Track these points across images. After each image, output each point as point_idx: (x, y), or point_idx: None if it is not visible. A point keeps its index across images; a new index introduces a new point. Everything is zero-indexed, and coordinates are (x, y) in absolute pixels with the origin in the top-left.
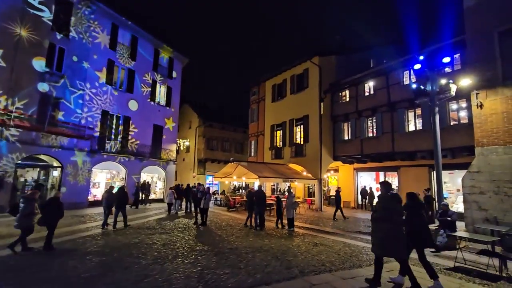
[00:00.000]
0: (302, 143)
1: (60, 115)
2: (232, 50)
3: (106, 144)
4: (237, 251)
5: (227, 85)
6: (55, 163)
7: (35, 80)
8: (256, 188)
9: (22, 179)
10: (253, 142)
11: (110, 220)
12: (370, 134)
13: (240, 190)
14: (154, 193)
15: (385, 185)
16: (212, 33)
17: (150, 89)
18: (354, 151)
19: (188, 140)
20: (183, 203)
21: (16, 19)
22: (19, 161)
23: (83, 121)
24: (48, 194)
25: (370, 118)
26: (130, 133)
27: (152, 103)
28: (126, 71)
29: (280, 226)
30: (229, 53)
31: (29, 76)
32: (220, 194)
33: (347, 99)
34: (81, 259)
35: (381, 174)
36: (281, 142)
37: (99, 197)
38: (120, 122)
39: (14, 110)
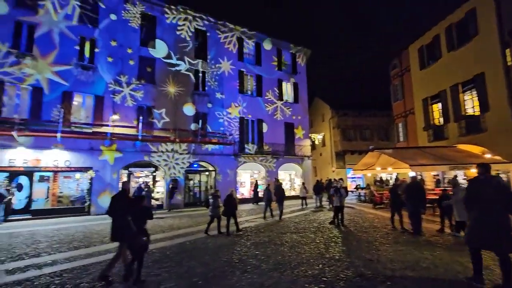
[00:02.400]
0: (477, 113)
1: (208, 127)
2: (355, 26)
3: (245, 147)
4: (378, 266)
5: (357, 67)
6: (210, 168)
7: (189, 122)
8: (409, 179)
9: (191, 182)
10: (400, 124)
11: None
12: None
13: (384, 184)
14: (294, 190)
15: (481, 167)
16: (329, 14)
17: (277, 89)
18: None
19: (322, 133)
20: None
21: (165, 80)
22: (187, 168)
23: (225, 123)
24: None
25: None
26: (264, 134)
27: (280, 102)
28: (254, 77)
29: (450, 230)
30: (353, 31)
31: (184, 120)
32: (365, 188)
33: None
34: (215, 255)
35: None
36: (441, 118)
37: (246, 195)
38: (255, 125)
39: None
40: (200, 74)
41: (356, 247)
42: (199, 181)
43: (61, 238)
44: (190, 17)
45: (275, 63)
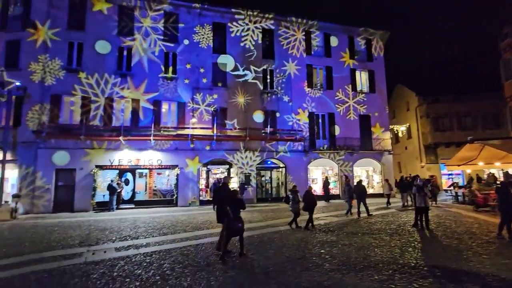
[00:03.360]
0: None
1: (277, 124)
2: None
3: (316, 143)
4: (465, 279)
5: (451, 44)
6: (281, 164)
7: (259, 123)
8: None
9: (263, 178)
10: None
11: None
12: None
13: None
14: (372, 187)
15: None
16: None
17: (348, 86)
18: None
19: (407, 124)
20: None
21: (234, 92)
22: (258, 165)
23: (295, 126)
24: (281, 189)
25: None
26: (336, 128)
27: (353, 100)
28: (324, 70)
29: None
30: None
31: (254, 125)
32: (464, 187)
33: None
34: (278, 250)
35: None
36: None
37: (318, 192)
38: (326, 120)
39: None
40: (268, 74)
41: (440, 255)
42: (270, 178)
43: (154, 225)
44: (252, 27)
45: (345, 57)
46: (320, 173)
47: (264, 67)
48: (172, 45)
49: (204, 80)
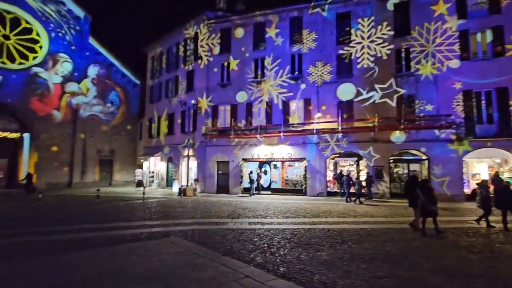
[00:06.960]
0: None
1: (416, 109)
2: None
3: (476, 129)
4: None
5: None
6: (423, 156)
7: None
8: None
9: (399, 171)
10: None
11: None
12: None
13: None
14: None
15: None
16: None
17: None
18: None
19: None
20: None
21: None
22: (393, 157)
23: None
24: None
25: None
26: (510, 107)
27: None
28: (487, 33)
29: None
30: None
31: (386, 114)
32: None
33: None
34: (377, 244)
35: None
36: None
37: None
38: (493, 97)
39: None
40: (403, 54)
41: None
42: (408, 171)
43: (281, 209)
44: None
45: None
46: (486, 167)
47: (400, 39)
48: (297, 47)
49: (329, 75)
